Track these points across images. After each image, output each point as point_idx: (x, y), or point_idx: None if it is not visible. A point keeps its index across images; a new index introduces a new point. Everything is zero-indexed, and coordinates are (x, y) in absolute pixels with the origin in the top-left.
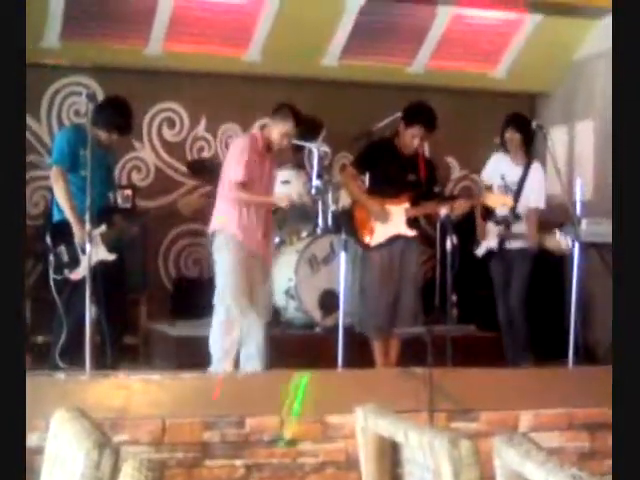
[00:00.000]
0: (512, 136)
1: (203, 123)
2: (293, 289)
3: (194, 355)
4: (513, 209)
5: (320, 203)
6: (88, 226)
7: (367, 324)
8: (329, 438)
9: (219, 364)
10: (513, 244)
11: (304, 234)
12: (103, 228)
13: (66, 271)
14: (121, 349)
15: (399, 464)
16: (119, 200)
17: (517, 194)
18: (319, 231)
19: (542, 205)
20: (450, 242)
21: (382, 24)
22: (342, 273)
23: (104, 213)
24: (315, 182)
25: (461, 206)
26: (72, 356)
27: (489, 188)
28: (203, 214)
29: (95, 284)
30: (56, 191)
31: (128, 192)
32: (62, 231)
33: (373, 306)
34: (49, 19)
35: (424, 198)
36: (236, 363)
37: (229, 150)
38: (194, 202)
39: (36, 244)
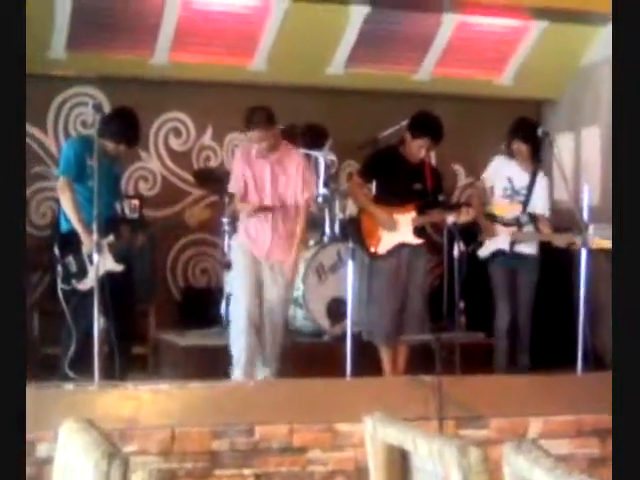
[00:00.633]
0: (520, 147)
1: (209, 132)
2: (301, 298)
3: (203, 364)
4: (524, 210)
5: (327, 211)
6: (96, 236)
7: (375, 332)
8: (338, 446)
9: (236, 370)
10: (522, 249)
11: (311, 243)
12: (111, 238)
13: (74, 281)
14: (130, 359)
15: (408, 472)
16: (126, 210)
17: (526, 200)
18: (326, 240)
19: (547, 213)
20: (457, 249)
21: (387, 32)
22: (350, 281)
23: (111, 223)
24: (322, 190)
25: (467, 214)
26: (81, 367)
27: (489, 190)
28: (209, 224)
29: (103, 294)
30: (63, 202)
31: (135, 202)
32: (70, 241)
33: (380, 314)
34: (55, 30)
35: (430, 206)
36: None
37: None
38: (199, 213)
39: (43, 255)
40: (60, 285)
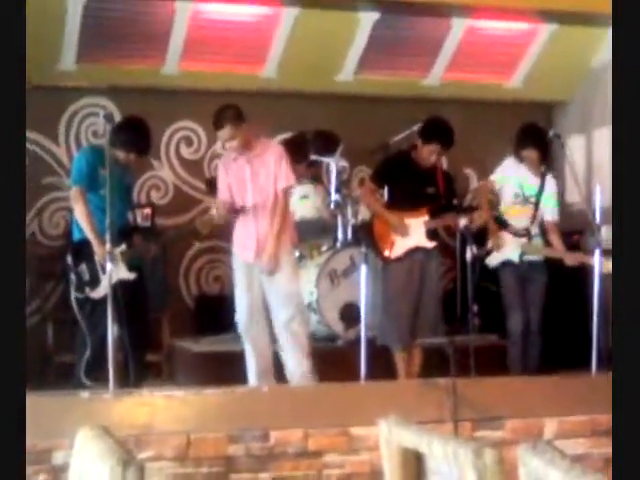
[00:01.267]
0: (529, 154)
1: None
2: (314, 303)
3: (217, 371)
4: (533, 221)
5: (339, 217)
6: (108, 245)
7: (388, 336)
8: (354, 450)
9: (250, 376)
10: (531, 256)
11: (324, 248)
12: (123, 247)
13: (87, 290)
14: (144, 366)
15: (423, 475)
16: (138, 219)
17: (537, 206)
18: (339, 245)
19: (557, 218)
20: (470, 252)
21: (397, 38)
22: (363, 286)
23: (124, 232)
24: (334, 196)
25: (480, 217)
26: (96, 374)
27: (497, 193)
28: (221, 232)
29: (116, 303)
30: (76, 211)
31: (147, 211)
32: (83, 250)
33: (394, 318)
34: (65, 42)
35: (443, 210)
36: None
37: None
38: (210, 221)
39: (57, 264)
40: (73, 294)
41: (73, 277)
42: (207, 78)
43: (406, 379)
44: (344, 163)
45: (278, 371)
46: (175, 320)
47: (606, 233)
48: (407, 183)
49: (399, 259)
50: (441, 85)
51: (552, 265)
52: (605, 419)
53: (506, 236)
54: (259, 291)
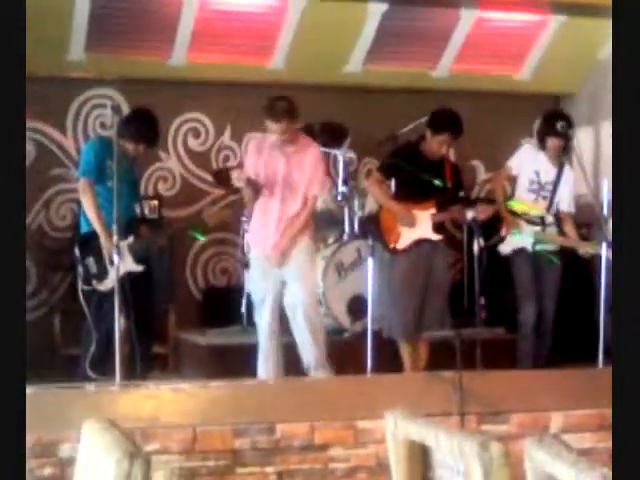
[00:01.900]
0: (554, 142)
1: (228, 132)
2: (321, 295)
3: (224, 363)
4: (548, 209)
5: (346, 209)
6: (115, 237)
7: (394, 328)
8: (360, 443)
9: (261, 370)
10: (546, 245)
11: (331, 240)
12: (130, 239)
13: (94, 282)
14: (150, 359)
15: (430, 468)
16: (146, 211)
17: (552, 196)
18: (346, 237)
19: (572, 209)
20: (477, 245)
21: (405, 29)
22: (370, 278)
23: (131, 224)
24: (341, 188)
25: (487, 210)
26: (102, 367)
27: (513, 179)
28: (228, 224)
29: (123, 295)
30: (84, 203)
31: (154, 203)
32: (90, 242)
33: (400, 310)
34: (73, 32)
35: (450, 202)
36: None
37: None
38: (218, 213)
39: (64, 257)
40: (81, 286)
41: (80, 269)
42: (215, 69)
43: (412, 372)
44: (352, 155)
45: (290, 364)
46: (182, 312)
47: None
48: (414, 175)
49: (405, 251)
50: (449, 77)
51: (564, 256)
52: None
53: (520, 223)
54: (276, 283)
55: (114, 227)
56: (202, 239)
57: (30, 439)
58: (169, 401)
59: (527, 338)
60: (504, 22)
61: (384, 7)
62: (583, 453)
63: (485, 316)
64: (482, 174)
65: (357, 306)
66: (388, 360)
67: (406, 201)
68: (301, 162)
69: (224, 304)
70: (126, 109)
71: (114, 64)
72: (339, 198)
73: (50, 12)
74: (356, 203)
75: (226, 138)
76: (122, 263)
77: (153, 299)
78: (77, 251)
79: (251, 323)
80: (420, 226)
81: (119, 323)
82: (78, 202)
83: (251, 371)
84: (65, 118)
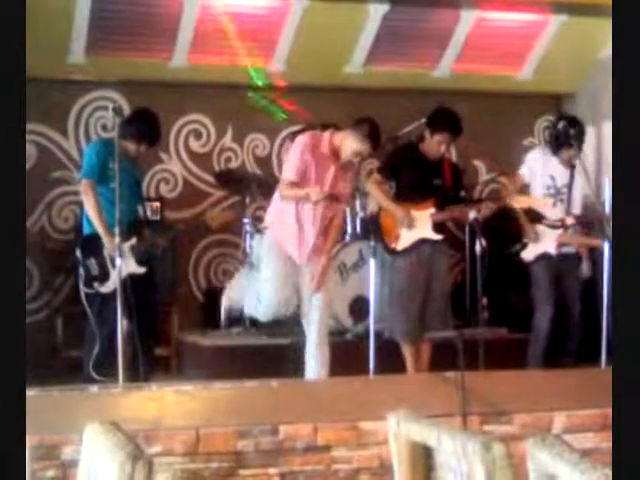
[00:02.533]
0: (569, 154)
1: (229, 134)
2: None
3: (226, 365)
4: (568, 211)
5: (348, 210)
6: (117, 239)
7: (396, 329)
8: (363, 444)
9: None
10: (567, 248)
11: None
12: (133, 241)
13: (96, 284)
14: (153, 361)
15: (432, 469)
16: (148, 213)
17: (569, 198)
18: (348, 238)
19: (580, 210)
20: (479, 245)
21: (406, 29)
22: (372, 279)
23: (133, 226)
24: None
25: (488, 209)
26: (105, 369)
27: (526, 186)
28: (230, 225)
29: (125, 297)
30: (86, 204)
31: (157, 204)
32: (92, 244)
33: (402, 311)
34: (74, 35)
35: (450, 202)
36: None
37: (292, 146)
38: (221, 215)
39: (66, 259)
40: (82, 288)
41: (82, 271)
42: (216, 71)
43: (415, 373)
44: None
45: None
46: (184, 314)
47: None
48: (414, 175)
49: (406, 251)
50: (450, 77)
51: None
52: None
53: (541, 228)
54: (293, 286)
55: (116, 229)
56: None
57: (32, 441)
58: (172, 403)
59: (538, 343)
60: (505, 22)
61: (385, 8)
62: (586, 453)
63: (487, 316)
64: (484, 174)
65: (359, 307)
66: (391, 361)
67: (406, 201)
68: (346, 173)
69: None
70: (127, 111)
71: (115, 66)
72: None
73: (51, 14)
74: (358, 204)
75: (228, 140)
76: (124, 265)
77: (155, 301)
78: (79, 252)
79: (254, 324)
80: (420, 226)
81: (121, 325)
82: (80, 204)
83: (254, 372)
84: (66, 120)
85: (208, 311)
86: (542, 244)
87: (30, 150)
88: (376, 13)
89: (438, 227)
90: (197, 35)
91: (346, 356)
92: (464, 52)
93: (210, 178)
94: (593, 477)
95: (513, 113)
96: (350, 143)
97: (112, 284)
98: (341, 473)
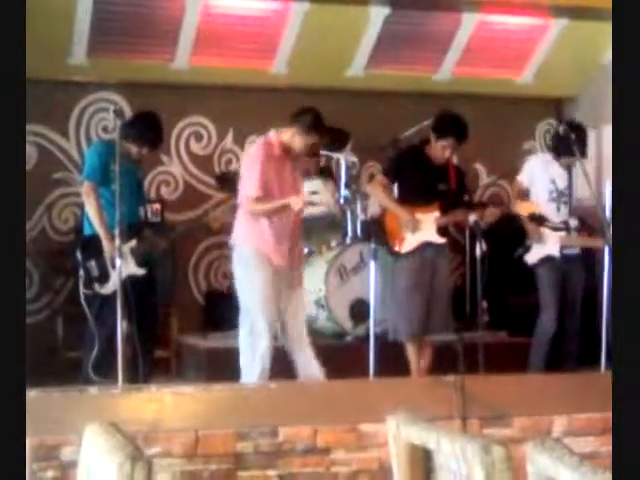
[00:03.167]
0: (571, 160)
1: (230, 136)
2: (323, 299)
3: (226, 367)
4: (570, 214)
5: (349, 213)
6: (118, 241)
7: (401, 330)
8: (362, 447)
9: (247, 377)
10: (570, 250)
11: (333, 244)
12: (133, 242)
13: (96, 285)
14: (153, 362)
15: (432, 471)
16: (148, 214)
17: (571, 200)
18: (348, 240)
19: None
20: (480, 248)
21: (407, 33)
22: (372, 282)
23: (134, 228)
24: (343, 192)
25: (492, 214)
26: (104, 370)
27: (525, 192)
28: (232, 227)
29: (125, 298)
30: (87, 206)
31: (157, 206)
32: (92, 246)
33: (407, 312)
34: (76, 36)
35: (454, 206)
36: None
37: (243, 159)
38: (222, 216)
39: (66, 260)
40: (82, 289)
41: (82, 272)
42: (217, 73)
43: (415, 376)
44: (354, 158)
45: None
46: (184, 316)
47: None
48: (419, 178)
49: (410, 254)
50: (451, 80)
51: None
52: None
53: (545, 231)
54: (278, 293)
55: (116, 230)
56: None
57: (32, 442)
58: (171, 404)
59: (542, 347)
60: (506, 26)
61: (386, 11)
62: (586, 457)
63: (487, 320)
64: (484, 178)
65: (359, 310)
66: (391, 364)
67: (410, 204)
68: (299, 168)
69: (226, 308)
70: (128, 113)
71: (116, 68)
72: (341, 201)
73: (52, 16)
74: (358, 206)
75: (228, 142)
76: (124, 266)
77: (155, 302)
78: (79, 254)
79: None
80: (424, 229)
81: (121, 326)
82: (81, 205)
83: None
84: (67, 122)
85: (208, 313)
86: (546, 246)
87: (31, 151)
88: (377, 16)
89: (441, 230)
90: (198, 37)
91: (346, 359)
92: (465, 55)
93: (211, 180)
94: None
95: (514, 117)
96: (298, 137)
97: (112, 285)
98: (340, 475)
